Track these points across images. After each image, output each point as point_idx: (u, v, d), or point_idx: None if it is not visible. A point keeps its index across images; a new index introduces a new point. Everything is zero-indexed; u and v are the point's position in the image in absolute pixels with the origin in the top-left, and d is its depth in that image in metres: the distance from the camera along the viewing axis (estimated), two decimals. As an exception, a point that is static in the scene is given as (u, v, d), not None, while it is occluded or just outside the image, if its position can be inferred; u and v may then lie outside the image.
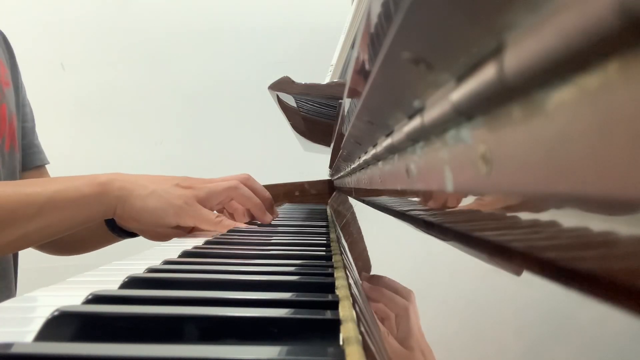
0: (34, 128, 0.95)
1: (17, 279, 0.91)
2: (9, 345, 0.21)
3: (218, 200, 0.69)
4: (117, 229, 0.80)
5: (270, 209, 0.77)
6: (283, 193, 1.43)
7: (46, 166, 0.97)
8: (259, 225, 0.79)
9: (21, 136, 0.91)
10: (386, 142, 0.31)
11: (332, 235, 0.63)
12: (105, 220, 0.80)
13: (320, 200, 1.42)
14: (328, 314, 0.25)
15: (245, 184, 0.74)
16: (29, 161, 0.92)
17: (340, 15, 1.26)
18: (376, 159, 0.40)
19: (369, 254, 0.42)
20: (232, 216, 0.81)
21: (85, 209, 0.64)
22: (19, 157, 0.87)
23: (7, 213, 0.61)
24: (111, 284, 0.33)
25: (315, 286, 0.34)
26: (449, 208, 0.23)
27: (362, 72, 0.29)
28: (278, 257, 0.45)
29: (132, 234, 0.83)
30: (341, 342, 0.23)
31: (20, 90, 0.91)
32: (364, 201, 0.64)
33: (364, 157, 0.45)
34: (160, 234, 0.76)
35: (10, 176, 0.84)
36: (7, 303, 0.34)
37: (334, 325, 0.24)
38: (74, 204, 0.63)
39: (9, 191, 0.62)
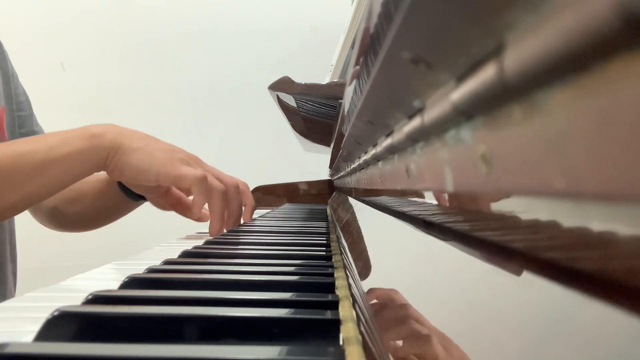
0: (32, 115, 0.94)
1: (16, 280, 0.91)
2: (9, 345, 0.21)
3: (207, 187, 0.67)
4: (132, 192, 0.80)
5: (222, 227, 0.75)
6: (283, 193, 1.43)
7: None
8: (259, 225, 0.79)
9: (19, 125, 0.90)
10: (386, 142, 0.31)
11: (332, 236, 0.63)
12: (119, 186, 0.80)
13: (320, 200, 1.42)
14: (328, 314, 0.25)
15: (230, 192, 0.72)
16: None
17: (340, 15, 1.26)
18: (376, 159, 0.40)
19: (369, 254, 0.42)
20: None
21: (80, 162, 0.64)
22: None
23: (4, 175, 0.61)
24: (111, 284, 0.33)
25: (315, 286, 0.34)
26: (449, 208, 0.23)
27: (362, 72, 0.29)
28: (278, 257, 0.45)
29: (143, 197, 0.83)
30: (341, 342, 0.23)
31: (11, 79, 0.89)
32: (364, 201, 0.64)
33: (364, 157, 0.45)
34: (146, 192, 0.76)
35: None
36: (7, 303, 0.34)
37: (334, 325, 0.24)
38: (68, 159, 0.63)
39: (3, 152, 0.61)
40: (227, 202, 0.71)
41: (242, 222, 0.85)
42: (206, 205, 0.72)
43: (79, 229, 0.93)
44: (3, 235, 0.86)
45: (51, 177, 0.63)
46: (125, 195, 0.80)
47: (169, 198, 0.77)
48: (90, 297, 0.28)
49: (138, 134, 0.68)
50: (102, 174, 0.81)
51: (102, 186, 0.84)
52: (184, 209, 0.78)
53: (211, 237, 0.64)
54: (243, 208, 0.80)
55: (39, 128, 0.94)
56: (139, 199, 0.82)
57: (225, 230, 0.72)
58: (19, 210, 0.68)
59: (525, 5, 0.10)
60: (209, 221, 0.73)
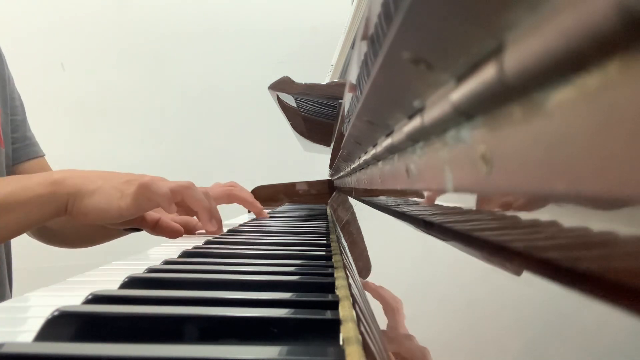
0: (25, 120, 0.94)
1: (11, 281, 0.91)
2: (8, 345, 0.21)
3: (163, 189, 0.66)
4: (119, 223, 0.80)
5: (214, 218, 0.74)
6: (283, 193, 1.43)
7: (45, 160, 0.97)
8: (259, 225, 0.79)
9: (11, 130, 0.90)
10: (386, 142, 0.31)
11: (332, 236, 0.63)
12: None
13: (320, 200, 1.42)
14: (328, 314, 0.25)
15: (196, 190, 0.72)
16: (23, 154, 0.91)
17: (340, 15, 1.26)
18: (376, 159, 0.40)
19: (369, 254, 0.42)
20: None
21: (38, 208, 0.64)
22: (3, 152, 0.86)
23: None
24: (111, 284, 0.33)
25: (315, 286, 0.34)
26: (448, 208, 0.23)
27: (362, 72, 0.29)
28: (278, 257, 0.45)
29: (136, 229, 0.83)
30: (341, 342, 0.23)
31: (7, 83, 0.89)
32: (364, 201, 0.64)
33: (364, 157, 0.45)
34: (146, 220, 0.76)
35: None
36: (7, 303, 0.34)
37: (334, 325, 0.24)
38: (27, 205, 0.63)
39: None
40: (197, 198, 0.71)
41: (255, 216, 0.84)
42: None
43: (66, 247, 0.95)
44: None
45: (9, 221, 0.63)
46: (115, 227, 0.80)
47: (147, 223, 0.77)
48: (90, 297, 0.28)
49: (95, 174, 0.68)
50: None
51: None
52: (165, 232, 0.78)
53: (211, 237, 0.64)
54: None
55: (31, 134, 0.95)
56: (129, 231, 0.82)
57: (210, 229, 0.72)
58: None
59: (525, 5, 0.10)
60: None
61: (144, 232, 0.84)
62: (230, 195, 0.85)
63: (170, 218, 0.79)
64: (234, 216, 1.07)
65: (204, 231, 0.76)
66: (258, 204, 0.90)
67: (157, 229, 0.77)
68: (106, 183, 0.66)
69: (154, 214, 0.77)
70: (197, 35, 1.98)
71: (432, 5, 0.14)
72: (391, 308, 0.25)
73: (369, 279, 0.35)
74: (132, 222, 0.74)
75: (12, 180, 0.67)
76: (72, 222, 0.85)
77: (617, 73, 0.08)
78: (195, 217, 0.81)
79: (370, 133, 0.38)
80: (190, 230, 0.80)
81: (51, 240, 0.92)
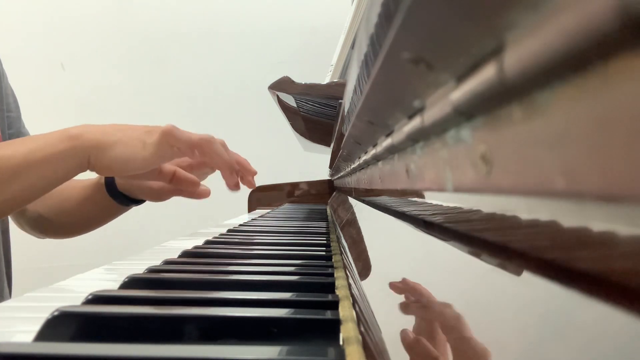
0: (19, 117, 0.93)
1: (10, 280, 0.91)
2: (9, 345, 0.21)
3: (185, 135, 0.66)
4: (119, 196, 0.79)
5: (234, 174, 0.72)
6: (283, 193, 1.43)
7: None
8: (259, 225, 0.79)
9: (7, 126, 0.89)
10: (386, 142, 0.31)
11: (332, 236, 0.63)
12: (107, 189, 0.79)
13: (320, 200, 1.42)
14: (328, 314, 0.25)
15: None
16: None
17: (340, 15, 1.26)
18: (376, 159, 0.40)
19: (369, 254, 0.42)
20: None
21: (60, 164, 0.64)
22: None
23: None
24: (111, 284, 0.33)
25: (315, 286, 0.34)
26: (449, 208, 0.23)
27: (362, 72, 0.29)
28: (278, 257, 0.45)
29: (137, 201, 0.82)
30: (341, 342, 0.23)
31: (2, 79, 0.89)
32: (364, 201, 0.64)
33: (364, 157, 0.45)
34: (141, 185, 0.75)
35: None
36: (6, 303, 0.34)
37: (334, 325, 0.24)
38: (49, 161, 0.63)
39: None
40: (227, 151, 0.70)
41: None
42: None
43: (63, 235, 0.93)
44: None
45: (32, 179, 0.63)
46: (113, 200, 0.80)
47: (164, 176, 0.76)
48: (90, 297, 0.28)
49: (114, 126, 0.67)
50: (88, 180, 0.80)
51: (89, 192, 0.83)
52: (183, 183, 0.77)
53: (211, 237, 0.64)
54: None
55: (26, 130, 0.94)
56: (128, 203, 0.82)
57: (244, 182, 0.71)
58: (5, 213, 0.68)
59: (525, 5, 0.10)
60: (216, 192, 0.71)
61: (143, 232, 0.84)
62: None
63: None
64: (234, 216, 1.07)
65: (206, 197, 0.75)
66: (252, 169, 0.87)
67: (175, 180, 0.76)
68: (126, 134, 0.66)
69: (170, 166, 0.76)
70: (197, 36, 1.98)
71: (432, 5, 0.14)
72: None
73: (369, 279, 0.35)
74: (149, 175, 0.73)
75: (29, 139, 0.66)
76: (68, 207, 0.84)
77: (617, 73, 0.08)
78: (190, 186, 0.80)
79: (370, 133, 0.38)
80: (195, 196, 0.79)
81: (48, 231, 0.90)
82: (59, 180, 0.65)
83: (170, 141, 0.65)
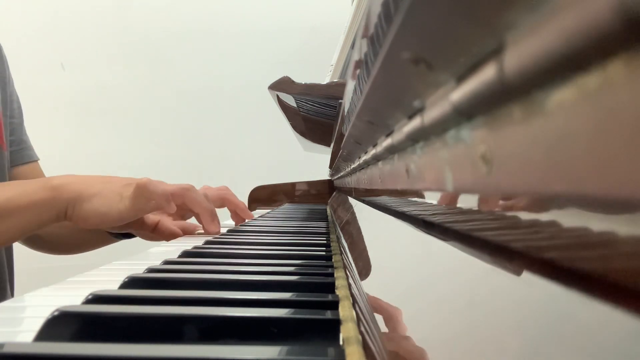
0: (22, 124, 0.94)
1: (13, 281, 0.91)
2: (8, 345, 0.21)
3: (160, 189, 0.67)
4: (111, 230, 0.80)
5: (215, 219, 0.74)
6: (283, 193, 1.43)
7: (42, 165, 0.97)
8: (259, 225, 0.79)
9: (10, 132, 0.90)
10: (386, 142, 0.31)
11: (332, 236, 0.63)
12: None
13: (320, 200, 1.42)
14: (328, 314, 0.25)
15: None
16: (18, 157, 0.91)
17: (340, 15, 1.26)
18: (376, 159, 0.40)
19: (369, 254, 0.42)
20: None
21: (37, 214, 0.64)
22: (7, 155, 0.86)
23: None
24: (111, 284, 0.33)
25: (315, 286, 0.34)
26: (449, 208, 0.23)
27: (362, 72, 0.29)
28: (278, 257, 0.45)
29: (128, 235, 0.83)
30: (341, 342, 0.23)
31: (7, 85, 0.89)
32: (364, 201, 0.64)
33: (364, 157, 0.45)
34: (141, 226, 0.76)
35: None
36: (7, 303, 0.34)
37: (334, 325, 0.24)
38: (26, 210, 0.63)
39: None
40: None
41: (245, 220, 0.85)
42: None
43: (55, 253, 0.94)
44: None
45: (9, 226, 0.63)
46: (106, 232, 0.81)
47: (147, 226, 0.77)
48: (90, 297, 0.28)
49: (96, 178, 0.68)
50: None
51: None
52: (166, 234, 0.78)
53: (211, 237, 0.64)
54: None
55: (27, 137, 0.95)
56: (120, 237, 0.83)
57: (211, 230, 0.72)
58: None
59: (525, 5, 0.10)
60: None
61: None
62: (224, 199, 0.86)
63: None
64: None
65: (202, 231, 0.76)
66: (249, 212, 0.90)
67: (157, 231, 0.77)
68: (105, 187, 0.66)
69: (153, 217, 0.77)
70: (197, 35, 1.98)
71: (432, 5, 0.14)
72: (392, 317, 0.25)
73: (369, 279, 0.35)
74: (132, 226, 0.74)
75: (10, 185, 0.68)
76: (63, 228, 0.85)
77: (617, 73, 0.08)
78: (189, 221, 0.82)
79: (370, 133, 0.38)
80: (188, 234, 0.80)
81: (41, 248, 0.92)
82: (35, 228, 0.66)
83: (146, 194, 0.66)
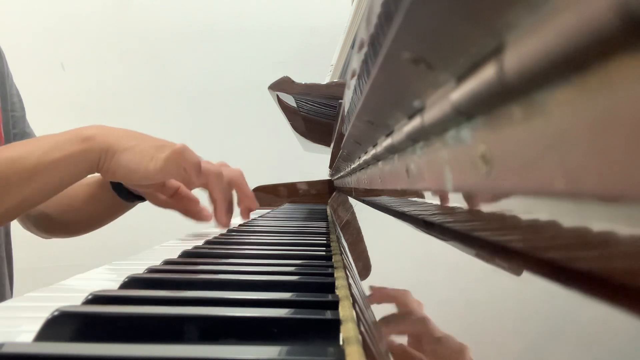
0: (24, 117, 0.94)
1: (12, 281, 0.91)
2: (9, 345, 0.21)
3: (195, 159, 0.67)
4: (124, 193, 0.79)
5: (229, 211, 0.73)
6: (283, 193, 1.43)
7: None
8: (259, 225, 0.79)
9: (12, 126, 0.89)
10: (386, 142, 0.31)
11: (332, 236, 0.63)
12: (112, 187, 0.79)
13: (320, 200, 1.42)
14: (328, 314, 0.25)
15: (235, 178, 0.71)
16: None
17: (340, 15, 1.26)
18: (376, 159, 0.40)
19: (369, 254, 0.42)
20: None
21: (73, 166, 0.64)
22: None
23: None
24: (111, 284, 0.33)
25: (315, 286, 0.34)
26: (449, 208, 0.23)
27: (362, 72, 0.29)
28: (278, 257, 0.45)
29: (141, 198, 0.82)
30: (341, 342, 0.23)
31: (6, 79, 0.89)
32: (364, 201, 0.64)
33: (364, 157, 0.45)
34: (147, 193, 0.76)
35: None
36: (6, 303, 0.34)
37: (334, 325, 0.24)
38: (62, 164, 0.63)
39: None
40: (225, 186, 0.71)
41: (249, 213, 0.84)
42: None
43: (69, 234, 0.93)
44: None
45: (45, 181, 0.63)
46: (118, 196, 0.80)
47: (167, 190, 0.76)
48: (90, 297, 0.28)
49: (129, 133, 0.68)
50: (92, 177, 0.81)
51: (93, 190, 0.83)
52: (184, 200, 0.77)
53: (211, 237, 0.64)
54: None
55: (30, 130, 0.94)
56: (133, 199, 0.82)
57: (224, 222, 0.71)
58: (14, 216, 0.68)
59: (525, 5, 0.10)
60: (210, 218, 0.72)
61: (143, 232, 0.84)
62: (235, 184, 0.84)
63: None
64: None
65: (205, 222, 0.75)
66: (255, 202, 0.88)
67: (176, 197, 0.76)
68: (140, 143, 0.66)
69: (174, 182, 0.76)
70: (197, 36, 1.98)
71: (432, 6, 0.14)
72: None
73: (369, 279, 0.35)
74: (152, 186, 0.73)
75: (42, 140, 0.66)
76: (74, 200, 0.84)
77: (617, 73, 0.08)
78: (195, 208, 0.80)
79: (370, 133, 0.38)
80: (193, 215, 0.79)
81: (53, 230, 0.90)
82: (71, 181, 0.65)
83: (180, 160, 0.65)
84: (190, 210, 0.78)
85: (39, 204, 0.67)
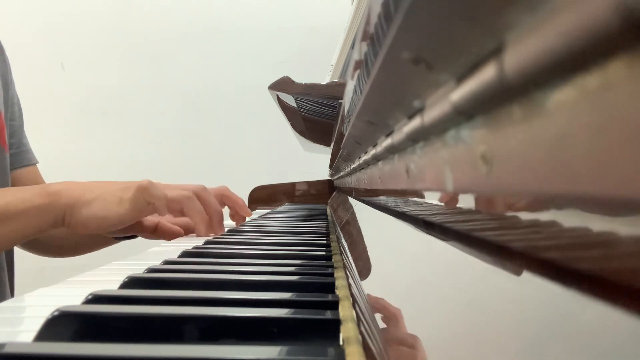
0: (22, 127, 0.94)
1: (13, 281, 0.91)
2: (9, 345, 0.21)
3: (161, 192, 0.67)
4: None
5: (220, 224, 0.73)
6: (283, 193, 1.43)
7: (43, 165, 0.97)
8: (259, 225, 0.79)
9: (9, 135, 0.90)
10: (386, 142, 0.31)
11: (332, 236, 0.63)
12: None
13: (320, 200, 1.42)
14: (328, 314, 0.25)
15: (200, 195, 0.71)
16: (18, 160, 0.91)
17: (340, 15, 1.26)
18: (376, 159, 0.40)
19: (369, 254, 0.42)
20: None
21: (35, 219, 0.64)
22: (8, 156, 0.86)
23: None
24: (111, 284, 0.33)
25: (315, 286, 0.34)
26: (449, 208, 0.23)
27: (362, 72, 0.29)
28: (278, 257, 0.45)
29: (129, 236, 0.83)
30: (341, 342, 0.23)
31: (10, 87, 0.90)
32: (364, 201, 0.64)
33: (364, 157, 0.45)
34: (142, 226, 0.76)
35: (0, 176, 0.84)
36: (7, 303, 0.34)
37: (334, 325, 0.24)
38: (24, 216, 0.64)
39: None
40: (204, 203, 0.71)
41: (245, 219, 0.85)
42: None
43: (54, 256, 0.94)
44: None
45: (5, 231, 0.64)
46: (107, 235, 0.81)
47: (147, 228, 0.77)
48: (90, 297, 0.28)
49: (92, 184, 0.68)
50: None
51: None
52: (167, 234, 0.78)
53: (211, 237, 0.64)
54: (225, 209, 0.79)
55: (26, 141, 0.95)
56: (123, 239, 0.83)
57: (216, 233, 0.71)
58: None
59: (525, 5, 0.10)
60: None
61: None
62: (223, 196, 0.85)
63: (169, 220, 0.80)
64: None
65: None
66: (247, 209, 0.89)
67: (157, 232, 0.77)
68: (104, 191, 0.66)
69: (152, 219, 0.77)
70: (197, 35, 1.98)
71: (432, 5, 0.14)
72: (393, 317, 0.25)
73: (369, 279, 0.35)
74: (131, 228, 0.74)
75: (8, 191, 0.68)
76: (63, 231, 0.85)
77: (617, 73, 0.08)
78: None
79: (370, 133, 0.38)
80: (189, 232, 0.80)
81: (41, 251, 0.92)
82: (32, 234, 0.66)
83: (146, 197, 0.66)
84: (178, 236, 0.79)
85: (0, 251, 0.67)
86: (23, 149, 0.93)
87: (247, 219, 0.88)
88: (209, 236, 0.70)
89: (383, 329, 0.24)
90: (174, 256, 0.46)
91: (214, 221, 0.72)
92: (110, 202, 0.65)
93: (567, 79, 0.10)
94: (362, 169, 0.53)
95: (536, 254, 0.14)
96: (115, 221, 0.66)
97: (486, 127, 0.15)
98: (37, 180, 0.93)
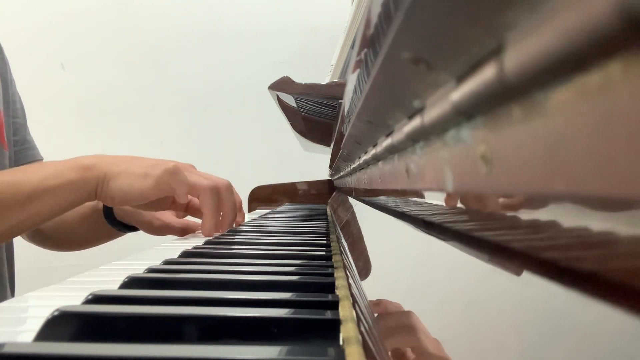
0: (25, 124, 0.95)
1: (13, 280, 0.91)
2: (9, 345, 0.21)
3: (185, 179, 0.68)
4: (116, 222, 0.81)
5: (227, 226, 0.73)
6: (283, 193, 1.43)
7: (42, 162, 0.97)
8: (259, 225, 0.79)
9: (12, 132, 0.90)
10: (386, 142, 0.31)
11: (332, 236, 0.63)
12: (104, 214, 0.81)
13: (320, 200, 1.42)
14: (328, 314, 0.25)
15: (220, 191, 0.71)
16: (22, 157, 0.92)
17: (340, 15, 1.26)
18: (376, 159, 0.40)
19: (369, 254, 0.42)
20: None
21: (70, 193, 0.66)
22: (8, 154, 0.87)
23: None
24: (111, 284, 0.33)
25: (315, 286, 0.34)
26: (449, 208, 0.23)
27: (362, 72, 0.29)
28: (278, 257, 0.45)
29: (132, 228, 0.83)
30: (341, 342, 0.23)
31: (9, 86, 0.90)
32: (364, 201, 0.64)
33: (364, 157, 0.45)
34: (144, 220, 0.77)
35: None
36: (7, 303, 0.34)
37: (334, 325, 0.24)
38: (59, 190, 0.65)
39: None
40: (220, 200, 0.71)
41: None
42: None
43: (61, 250, 0.96)
44: None
45: (42, 206, 0.64)
46: (109, 224, 0.82)
47: (179, 206, 0.77)
48: (90, 297, 0.28)
49: (122, 158, 0.69)
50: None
51: (87, 212, 0.86)
52: (199, 212, 0.78)
53: (210, 237, 0.64)
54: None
55: (31, 137, 0.95)
56: (124, 230, 0.84)
57: (220, 232, 0.71)
58: (8, 237, 0.69)
59: (525, 5, 0.10)
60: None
61: (143, 232, 0.84)
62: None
63: (170, 220, 0.80)
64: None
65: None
66: (242, 213, 0.89)
67: (190, 209, 0.78)
68: (132, 165, 0.68)
69: (162, 217, 0.79)
70: (197, 35, 1.98)
71: (432, 6, 0.14)
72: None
73: (369, 279, 0.35)
74: (157, 206, 0.74)
75: (43, 166, 0.69)
76: (66, 223, 0.86)
77: (617, 73, 0.08)
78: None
79: (370, 133, 0.38)
80: (189, 232, 0.81)
81: (44, 243, 0.93)
82: (67, 208, 0.67)
83: (170, 180, 0.67)
84: (189, 229, 0.79)
85: (33, 227, 0.69)
86: (27, 146, 0.93)
87: (247, 219, 0.88)
88: (210, 236, 0.71)
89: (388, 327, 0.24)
90: (174, 256, 0.46)
91: (224, 221, 0.72)
92: (135, 175, 0.67)
93: (567, 79, 0.10)
94: (362, 169, 0.53)
95: (536, 254, 0.14)
96: (137, 196, 0.67)
97: (486, 127, 0.15)
98: None
